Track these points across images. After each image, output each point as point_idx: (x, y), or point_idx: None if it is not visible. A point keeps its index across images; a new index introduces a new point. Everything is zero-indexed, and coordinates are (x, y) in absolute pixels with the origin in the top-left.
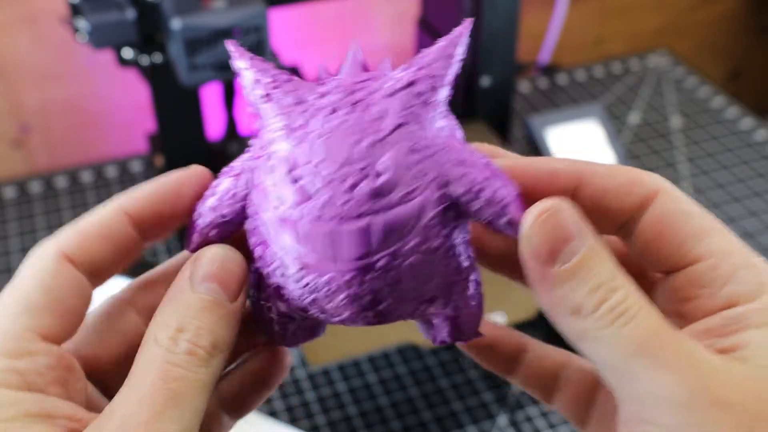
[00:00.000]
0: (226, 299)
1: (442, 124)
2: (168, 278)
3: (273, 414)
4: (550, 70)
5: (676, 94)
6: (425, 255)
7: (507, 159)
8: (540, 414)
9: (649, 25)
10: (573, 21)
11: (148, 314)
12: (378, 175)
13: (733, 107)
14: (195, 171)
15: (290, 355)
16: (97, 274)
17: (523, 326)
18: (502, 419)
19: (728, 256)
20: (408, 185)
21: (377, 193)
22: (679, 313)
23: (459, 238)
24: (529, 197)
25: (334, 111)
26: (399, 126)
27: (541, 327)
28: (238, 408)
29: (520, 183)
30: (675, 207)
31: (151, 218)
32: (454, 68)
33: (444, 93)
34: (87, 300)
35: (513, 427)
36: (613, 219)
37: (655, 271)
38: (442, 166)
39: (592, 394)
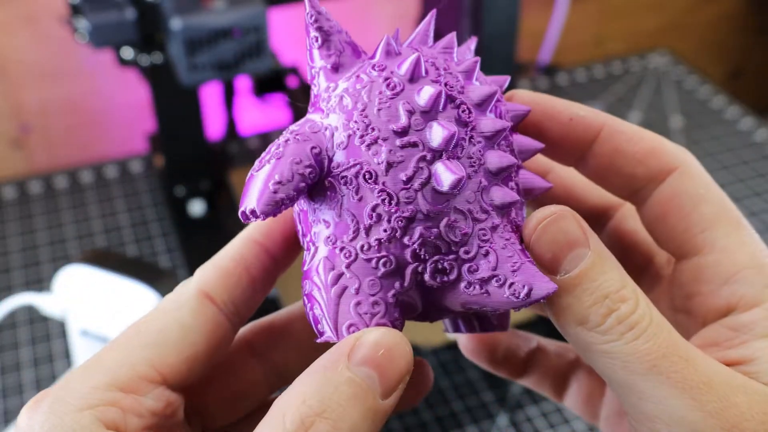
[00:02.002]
0: (380, 394)
1: None
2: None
3: None
4: (550, 70)
5: (676, 94)
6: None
7: (527, 94)
8: (540, 414)
9: (649, 25)
10: (573, 21)
11: (265, 362)
12: None
13: (733, 107)
14: None
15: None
16: (237, 313)
17: (522, 327)
18: (502, 419)
19: (732, 253)
20: None
21: None
22: (686, 308)
23: None
24: (543, 140)
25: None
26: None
27: (540, 328)
28: None
29: (537, 122)
30: (687, 188)
31: (281, 242)
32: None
33: None
34: (224, 344)
35: (513, 427)
36: (624, 184)
37: (665, 250)
38: None
39: (601, 391)
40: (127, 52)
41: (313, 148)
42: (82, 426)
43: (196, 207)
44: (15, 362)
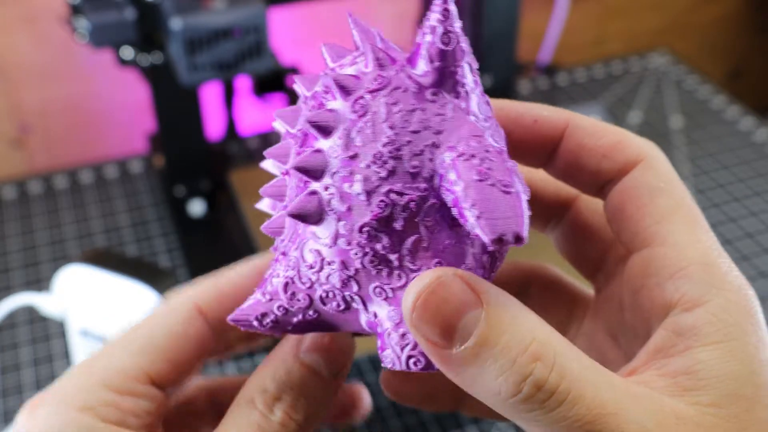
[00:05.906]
0: (328, 374)
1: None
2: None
3: None
4: (550, 70)
5: (676, 94)
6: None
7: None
8: None
9: (649, 25)
10: (573, 21)
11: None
12: None
13: (733, 107)
14: None
15: (368, 397)
16: (224, 331)
17: None
18: None
19: (683, 248)
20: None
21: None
22: (633, 305)
23: None
24: (511, 143)
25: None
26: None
27: None
28: None
29: (502, 126)
30: (647, 181)
31: None
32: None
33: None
34: (208, 355)
35: (513, 428)
36: (591, 180)
37: (621, 243)
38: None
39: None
40: (127, 52)
41: None
42: (85, 424)
43: (196, 207)
44: (15, 362)
